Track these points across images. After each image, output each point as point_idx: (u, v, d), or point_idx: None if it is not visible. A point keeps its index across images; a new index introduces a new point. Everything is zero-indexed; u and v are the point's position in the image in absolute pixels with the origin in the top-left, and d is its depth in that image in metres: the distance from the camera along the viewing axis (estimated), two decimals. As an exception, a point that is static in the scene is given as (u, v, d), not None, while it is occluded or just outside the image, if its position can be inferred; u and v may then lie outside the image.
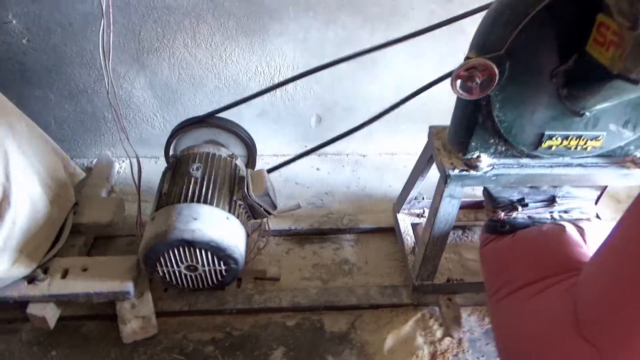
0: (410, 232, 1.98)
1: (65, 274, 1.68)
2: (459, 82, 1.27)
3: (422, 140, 1.72)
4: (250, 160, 2.03)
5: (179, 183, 1.68)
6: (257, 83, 2.21)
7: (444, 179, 1.49)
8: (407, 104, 1.69)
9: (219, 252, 1.56)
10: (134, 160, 1.76)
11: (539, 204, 1.57)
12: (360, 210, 2.22)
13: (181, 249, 1.55)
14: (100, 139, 2.39)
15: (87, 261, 1.73)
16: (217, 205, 1.62)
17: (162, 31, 2.00)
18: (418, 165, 1.82)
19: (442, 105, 1.72)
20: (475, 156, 1.47)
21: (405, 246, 1.92)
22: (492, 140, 1.44)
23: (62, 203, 1.86)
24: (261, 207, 1.74)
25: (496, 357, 1.71)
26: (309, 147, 2.44)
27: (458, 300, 1.78)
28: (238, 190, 1.74)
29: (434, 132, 1.63)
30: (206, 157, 1.79)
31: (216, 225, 1.56)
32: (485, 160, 1.46)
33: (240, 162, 1.90)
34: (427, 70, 1.81)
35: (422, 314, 1.81)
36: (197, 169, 1.69)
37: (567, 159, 1.48)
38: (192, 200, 1.60)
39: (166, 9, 1.93)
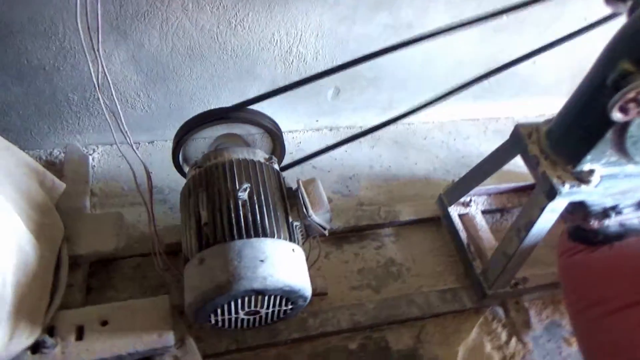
0: (461, 225, 1.82)
1: (80, 333, 1.31)
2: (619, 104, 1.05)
3: (440, 108, 1.61)
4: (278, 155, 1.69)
5: (221, 208, 1.32)
6: (270, 54, 1.79)
7: (549, 194, 1.31)
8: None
9: (291, 295, 1.28)
10: (137, 165, 1.37)
11: (630, 208, 1.46)
12: (392, 198, 2.00)
13: (246, 299, 1.25)
14: (61, 126, 1.85)
15: (104, 310, 1.36)
16: (278, 236, 1.31)
17: (153, -10, 1.49)
18: (489, 164, 1.61)
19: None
20: (587, 169, 1.29)
21: (460, 242, 1.76)
22: (608, 152, 1.26)
23: (51, 234, 1.42)
24: (320, 225, 1.45)
25: (560, 355, 1.69)
26: (321, 122, 2.14)
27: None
28: (292, 209, 1.42)
29: (525, 133, 1.41)
30: (245, 167, 1.42)
31: (285, 263, 1.27)
32: (598, 173, 1.29)
33: (277, 166, 1.56)
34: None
35: (484, 317, 1.70)
36: (245, 189, 1.33)
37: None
38: (247, 233, 1.27)
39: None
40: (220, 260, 1.23)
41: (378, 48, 1.37)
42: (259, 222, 1.30)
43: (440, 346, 1.62)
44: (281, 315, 1.39)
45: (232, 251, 1.23)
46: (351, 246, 1.83)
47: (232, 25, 1.65)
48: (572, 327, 1.57)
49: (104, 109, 1.31)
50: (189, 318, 1.30)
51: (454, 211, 1.83)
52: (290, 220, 1.40)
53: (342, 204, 1.94)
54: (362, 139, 2.19)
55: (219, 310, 1.27)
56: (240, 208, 1.32)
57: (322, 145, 1.68)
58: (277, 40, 1.75)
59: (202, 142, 1.59)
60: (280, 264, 1.25)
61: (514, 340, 1.67)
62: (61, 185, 1.54)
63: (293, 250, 1.32)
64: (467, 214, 1.86)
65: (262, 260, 1.23)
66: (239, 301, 1.25)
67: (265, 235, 1.28)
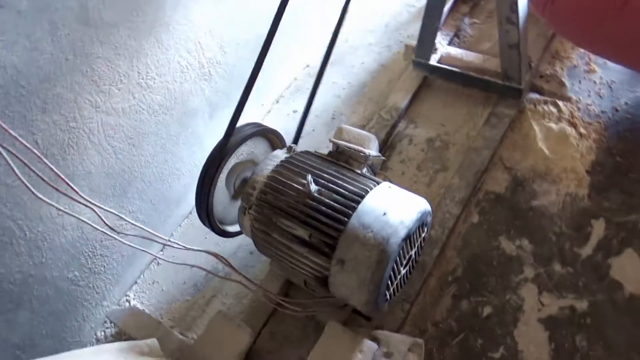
0: (448, 66, 1.84)
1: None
2: None
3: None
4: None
5: (307, 213, 1.24)
6: (190, 81, 1.66)
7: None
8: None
9: (423, 217, 1.26)
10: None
11: None
12: (371, 99, 1.99)
13: (400, 252, 1.21)
14: (86, 308, 1.64)
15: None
16: (367, 189, 1.27)
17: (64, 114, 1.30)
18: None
19: None
20: None
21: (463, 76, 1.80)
22: None
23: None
24: (377, 156, 1.41)
25: (590, 79, 1.80)
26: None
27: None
28: (351, 164, 1.38)
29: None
30: (284, 170, 1.34)
31: (398, 200, 1.24)
32: None
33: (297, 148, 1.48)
34: None
35: (528, 110, 1.78)
36: (310, 182, 1.25)
37: None
38: (348, 208, 1.22)
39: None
40: (356, 245, 1.17)
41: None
42: (345, 193, 1.25)
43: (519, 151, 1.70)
44: (423, 244, 1.36)
45: (356, 231, 1.18)
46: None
47: (143, 84, 1.50)
48: (592, 48, 1.66)
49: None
50: (373, 314, 1.25)
51: (434, 61, 1.85)
52: (359, 171, 1.35)
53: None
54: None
55: (389, 283, 1.22)
56: (322, 197, 1.25)
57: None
58: (186, 65, 1.62)
59: (219, 190, 1.47)
60: (396, 204, 1.22)
61: (561, 104, 1.77)
62: (153, 342, 1.39)
63: (389, 187, 1.29)
64: (442, 55, 1.89)
65: (385, 214, 1.19)
66: (397, 259, 1.21)
67: (360, 197, 1.23)
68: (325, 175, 1.30)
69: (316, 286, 1.33)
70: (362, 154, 1.35)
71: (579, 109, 1.77)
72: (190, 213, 1.92)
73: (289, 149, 1.44)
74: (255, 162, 1.53)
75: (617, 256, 1.44)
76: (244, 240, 1.69)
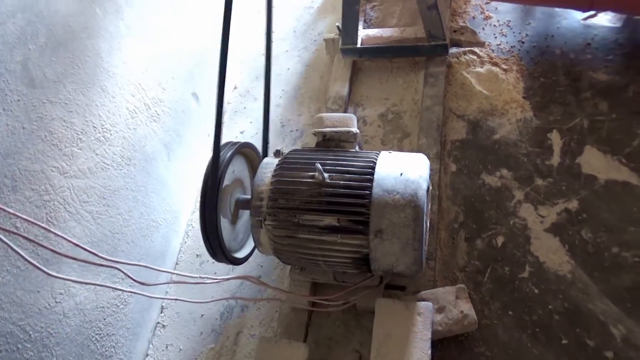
0: (372, 45, 1.96)
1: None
2: None
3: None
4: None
5: (327, 202, 1.25)
6: (142, 124, 1.57)
7: None
8: None
9: (429, 168, 1.33)
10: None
11: None
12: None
13: (425, 201, 1.26)
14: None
15: None
16: (372, 154, 1.31)
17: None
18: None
19: None
20: None
21: (393, 49, 1.92)
22: None
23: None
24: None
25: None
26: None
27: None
28: (344, 145, 1.41)
29: None
30: (282, 170, 1.32)
31: (402, 158, 1.30)
32: None
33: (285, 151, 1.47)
34: None
35: (453, 61, 1.95)
36: (318, 171, 1.26)
37: None
38: (364, 180, 1.24)
39: None
40: (388, 211, 1.20)
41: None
42: (355, 169, 1.27)
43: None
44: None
45: (383, 198, 1.21)
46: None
47: (104, 139, 1.39)
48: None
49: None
50: (419, 273, 1.28)
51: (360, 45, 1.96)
52: (353, 150, 1.38)
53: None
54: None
55: (424, 237, 1.26)
56: (336, 181, 1.26)
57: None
58: (133, 110, 1.53)
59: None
60: (405, 163, 1.28)
61: (478, 50, 1.97)
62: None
63: (389, 153, 1.34)
64: (363, 38, 1.99)
65: (402, 174, 1.23)
66: (425, 209, 1.25)
67: (371, 168, 1.27)
68: (327, 162, 1.31)
69: (354, 269, 1.32)
70: (351, 133, 1.38)
71: (492, 50, 1.98)
72: (177, 263, 1.80)
73: (277, 153, 1.43)
74: (241, 180, 1.49)
75: (580, 155, 1.63)
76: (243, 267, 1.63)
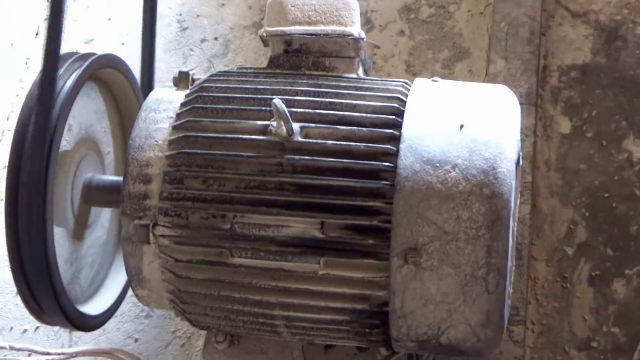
0: None
1: None
2: None
3: None
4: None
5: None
6: None
7: None
8: None
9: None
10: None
11: None
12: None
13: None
14: None
15: None
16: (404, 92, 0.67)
17: None
18: None
19: None
20: None
21: None
22: None
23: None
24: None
25: None
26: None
27: None
28: (334, 64, 0.71)
29: None
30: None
31: (468, 100, 0.66)
32: None
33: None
34: None
35: None
36: (284, 110, 0.57)
37: None
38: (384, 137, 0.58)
39: None
40: (433, 206, 0.56)
41: None
42: (359, 104, 0.61)
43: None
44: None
45: (421, 177, 0.57)
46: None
47: None
48: None
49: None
50: (491, 350, 0.63)
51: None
52: (354, 76, 0.70)
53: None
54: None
55: (508, 265, 0.63)
56: (318, 140, 0.58)
57: None
58: None
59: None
60: (466, 101, 0.66)
61: None
62: None
63: (433, 81, 0.69)
64: None
65: (462, 126, 0.60)
66: (511, 204, 0.62)
67: (394, 115, 0.61)
68: (297, 98, 0.62)
69: (353, 339, 0.64)
70: (348, 37, 0.68)
71: None
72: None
73: (182, 78, 0.70)
74: (94, 141, 0.76)
75: None
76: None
